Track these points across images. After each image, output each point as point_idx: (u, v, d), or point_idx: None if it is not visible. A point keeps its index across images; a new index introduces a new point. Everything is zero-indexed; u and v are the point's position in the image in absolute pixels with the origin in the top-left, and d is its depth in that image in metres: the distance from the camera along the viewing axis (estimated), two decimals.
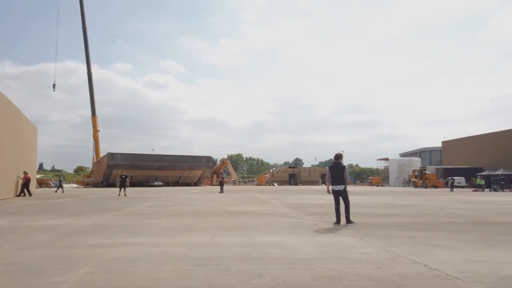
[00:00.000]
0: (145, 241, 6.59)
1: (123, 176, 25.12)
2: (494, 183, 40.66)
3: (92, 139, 67.13)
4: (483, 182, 41.58)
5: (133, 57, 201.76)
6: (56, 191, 32.07)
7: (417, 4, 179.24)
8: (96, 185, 55.54)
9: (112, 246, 6.05)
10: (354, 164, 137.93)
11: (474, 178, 46.39)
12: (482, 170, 52.19)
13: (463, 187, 47.34)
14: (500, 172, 46.57)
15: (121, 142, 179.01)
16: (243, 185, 71.11)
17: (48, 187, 53.76)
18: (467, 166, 56.38)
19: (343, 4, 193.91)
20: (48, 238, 6.98)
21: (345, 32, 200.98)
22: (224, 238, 6.81)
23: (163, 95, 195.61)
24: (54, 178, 64.06)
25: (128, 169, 50.95)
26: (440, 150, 78.88)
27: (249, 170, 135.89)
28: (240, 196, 23.77)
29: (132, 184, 50.74)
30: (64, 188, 34.28)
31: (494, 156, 55.25)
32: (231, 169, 76.62)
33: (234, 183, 68.69)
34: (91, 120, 67.29)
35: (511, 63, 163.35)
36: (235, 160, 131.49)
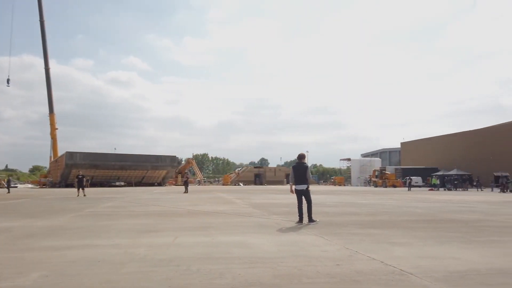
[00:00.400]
0: (104, 242, 6.41)
1: (80, 176, 24.28)
2: (448, 183, 42.82)
3: (49, 137, 64.24)
4: (438, 181, 43.73)
5: (95, 52, 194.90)
6: (8, 192, 30.41)
7: (380, 9, 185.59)
8: (53, 185, 53.19)
9: (69, 249, 5.83)
10: (318, 164, 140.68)
11: (430, 178, 48.64)
12: (437, 170, 54.85)
13: (420, 186, 49.47)
14: (453, 172, 49.17)
15: (82, 141, 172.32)
16: (208, 185, 70.61)
17: (1, 187, 50.86)
18: (424, 167, 59.05)
19: (310, 6, 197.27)
20: None
21: (310, 34, 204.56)
22: (187, 239, 6.75)
23: (126, 93, 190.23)
24: (6, 178, 60.66)
25: (88, 168, 49.17)
26: (399, 151, 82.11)
27: (214, 170, 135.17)
28: (204, 196, 23.60)
29: (93, 185, 49.01)
30: (12, 189, 32.56)
31: (448, 157, 58.25)
32: (196, 169, 75.88)
33: (199, 183, 68.08)
34: (48, 118, 64.39)
35: (467, 68, 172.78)
36: (201, 160, 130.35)
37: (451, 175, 46.09)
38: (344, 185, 68.01)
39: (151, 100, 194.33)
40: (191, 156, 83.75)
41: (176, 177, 64.48)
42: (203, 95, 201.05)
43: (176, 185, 59.74)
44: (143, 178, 58.61)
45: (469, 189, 40.98)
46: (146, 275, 4.19)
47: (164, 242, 6.34)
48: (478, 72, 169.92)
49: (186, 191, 29.27)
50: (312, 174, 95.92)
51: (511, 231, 7.93)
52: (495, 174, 41.63)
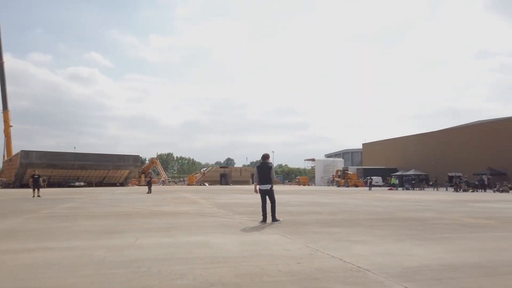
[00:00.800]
0: (61, 245, 6.17)
1: (35, 176, 23.19)
2: (406, 183, 44.64)
3: (3, 135, 60.85)
4: (397, 181, 45.52)
5: (54, 47, 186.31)
6: None
7: (345, 12, 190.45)
8: (7, 185, 50.42)
9: (23, 252, 5.57)
10: (283, 164, 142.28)
11: (389, 178, 50.49)
12: (396, 170, 57.06)
13: (380, 186, 51.22)
14: (411, 172, 51.32)
15: (39, 139, 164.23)
16: (173, 185, 69.51)
17: None
18: (384, 167, 61.24)
19: (277, 7, 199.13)
20: None
21: (277, 35, 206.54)
22: (148, 240, 6.64)
23: (87, 90, 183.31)
24: None
25: (45, 168, 47.01)
26: (361, 152, 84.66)
27: (180, 170, 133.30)
28: (168, 197, 23.24)
29: (50, 185, 46.94)
30: None
31: (407, 158, 60.76)
32: (160, 169, 74.48)
33: (163, 183, 66.89)
34: (2, 114, 60.95)
35: (428, 73, 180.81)
36: (165, 160, 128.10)
37: (409, 175, 48.07)
38: (309, 185, 69.20)
39: (113, 98, 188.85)
40: (155, 156, 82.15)
41: (139, 177, 62.99)
42: (168, 94, 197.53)
43: (139, 186, 58.35)
44: (104, 178, 56.80)
45: (425, 189, 42.92)
46: (105, 277, 4.08)
47: (124, 244, 6.20)
48: (436, 77, 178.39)
49: (149, 192, 28.69)
50: (277, 174, 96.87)
51: (460, 228, 8.40)
52: (449, 174, 43.87)
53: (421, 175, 48.90)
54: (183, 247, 5.89)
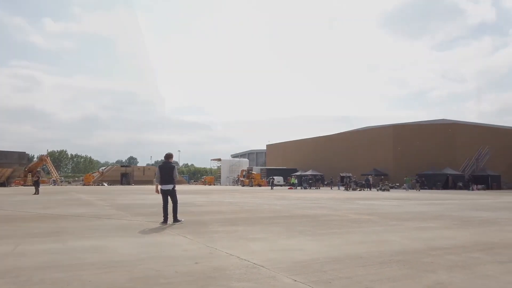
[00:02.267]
0: None
1: None
2: (304, 182, 47.70)
3: None
4: (296, 181, 48.38)
5: None
6: None
7: (250, 13, 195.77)
8: None
9: None
10: (189, 164, 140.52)
11: (290, 178, 53.42)
12: (296, 170, 60.60)
13: (281, 185, 53.82)
14: (309, 172, 55.03)
15: None
16: (66, 185, 63.61)
17: None
18: (285, 167, 64.60)
19: (185, 3, 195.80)
20: None
21: (183, 31, 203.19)
22: (31, 246, 6.00)
23: None
24: None
25: None
26: (265, 152, 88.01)
27: (74, 169, 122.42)
28: (60, 198, 21.22)
29: None
30: None
31: (305, 159, 64.98)
32: (51, 168, 67.53)
33: (55, 183, 60.77)
34: None
35: (327, 84, 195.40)
36: (58, 158, 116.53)
37: (307, 175, 51.44)
38: (214, 185, 69.51)
39: None
40: (45, 153, 74.20)
41: (25, 176, 56.24)
42: (63, 85, 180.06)
43: (25, 186, 52.12)
44: None
45: (321, 188, 46.38)
46: None
47: (1, 252, 5.51)
48: (333, 87, 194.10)
49: (36, 192, 25.83)
50: (183, 173, 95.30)
51: (347, 224, 9.31)
52: (341, 174, 48.10)
53: (318, 175, 52.68)
54: (73, 253, 5.46)
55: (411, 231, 8.03)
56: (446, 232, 7.84)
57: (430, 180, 43.95)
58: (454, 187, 43.84)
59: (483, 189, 43.06)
